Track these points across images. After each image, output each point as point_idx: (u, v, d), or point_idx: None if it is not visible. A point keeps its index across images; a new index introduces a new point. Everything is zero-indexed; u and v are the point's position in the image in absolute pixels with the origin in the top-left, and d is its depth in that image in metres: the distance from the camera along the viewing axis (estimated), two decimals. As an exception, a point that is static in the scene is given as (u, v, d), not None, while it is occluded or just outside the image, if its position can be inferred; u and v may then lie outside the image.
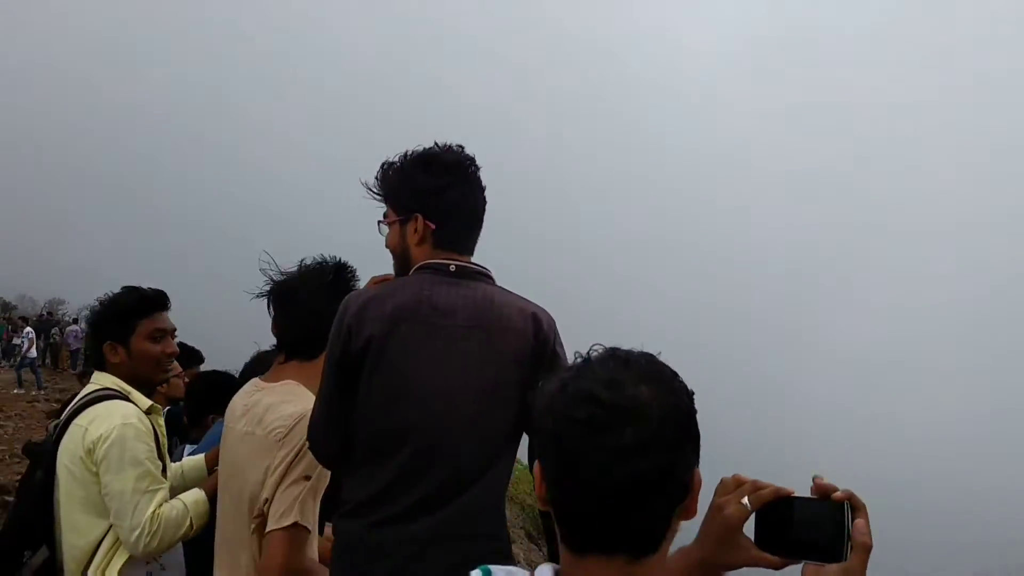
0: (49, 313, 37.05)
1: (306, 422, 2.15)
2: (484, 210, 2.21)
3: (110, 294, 2.74)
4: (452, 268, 2.13)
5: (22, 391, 20.14)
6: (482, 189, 2.20)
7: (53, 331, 29.38)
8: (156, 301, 2.71)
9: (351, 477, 2.07)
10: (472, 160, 2.19)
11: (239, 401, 2.42)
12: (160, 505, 2.45)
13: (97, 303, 2.73)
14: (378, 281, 2.23)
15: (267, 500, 2.15)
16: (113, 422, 2.45)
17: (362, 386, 2.03)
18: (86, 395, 2.61)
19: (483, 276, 2.17)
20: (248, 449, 2.26)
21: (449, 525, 1.96)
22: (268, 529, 2.11)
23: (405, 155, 2.19)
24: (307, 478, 2.15)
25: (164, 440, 2.64)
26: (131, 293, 2.72)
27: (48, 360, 27.85)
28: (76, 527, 2.47)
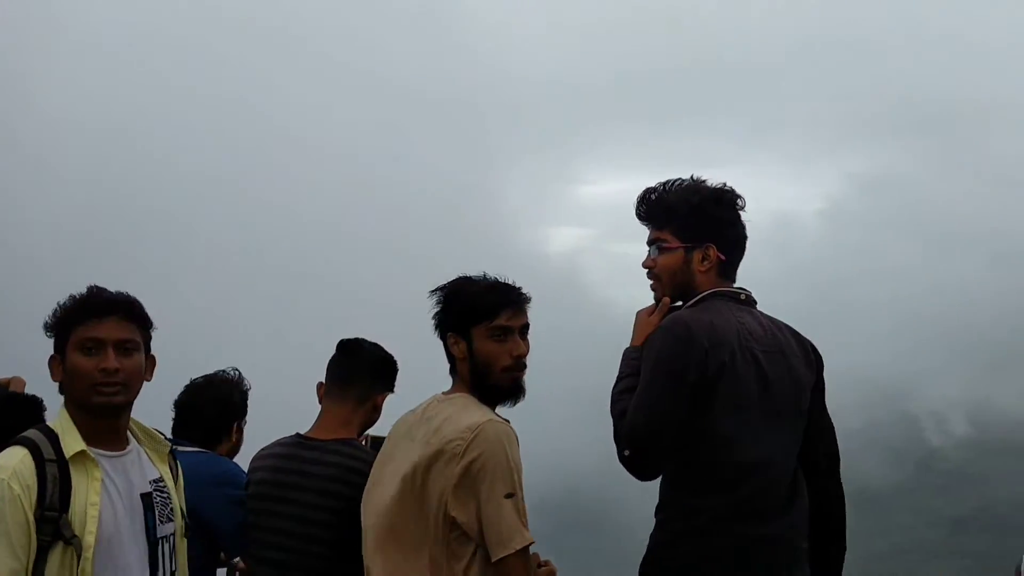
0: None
1: (486, 434, 2.21)
2: None
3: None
4: (743, 296, 2.38)
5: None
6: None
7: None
8: (93, 305, 2.22)
9: (687, 492, 2.28)
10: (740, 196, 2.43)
11: (417, 411, 2.46)
12: None
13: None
14: (668, 306, 2.44)
15: (452, 516, 2.22)
16: None
17: (712, 409, 2.20)
18: None
19: (755, 303, 2.42)
20: (422, 455, 2.28)
21: (796, 537, 2.27)
22: (500, 555, 2.16)
23: (678, 185, 2.39)
24: (509, 496, 2.20)
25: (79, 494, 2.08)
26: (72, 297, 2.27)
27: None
28: None
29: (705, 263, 2.39)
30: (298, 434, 2.81)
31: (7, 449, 2.08)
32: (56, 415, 2.24)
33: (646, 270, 2.49)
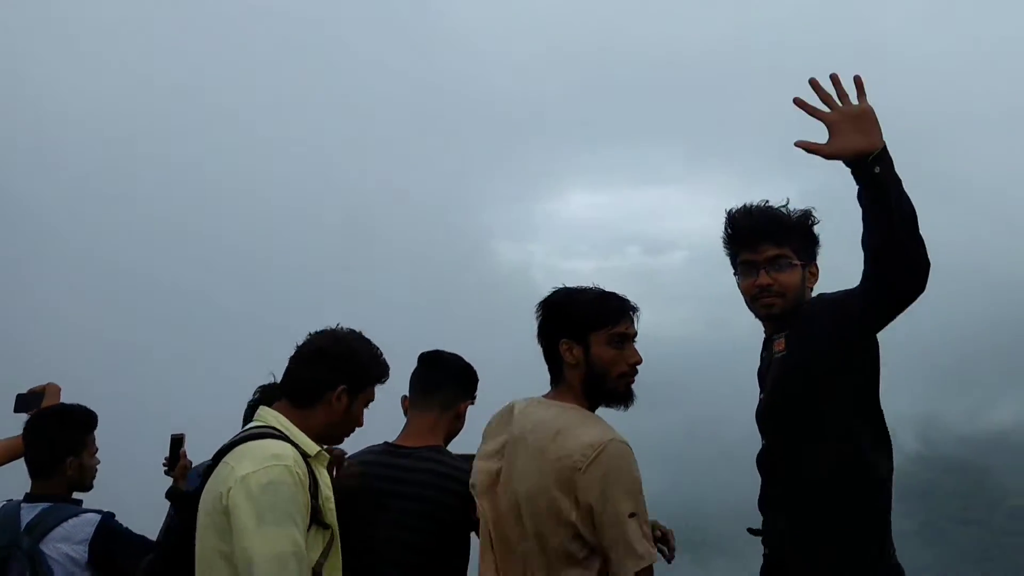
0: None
1: (611, 451, 2.20)
2: None
3: None
4: None
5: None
6: None
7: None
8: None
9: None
10: None
11: (517, 412, 2.42)
12: None
13: None
14: None
15: (575, 528, 2.19)
16: (266, 461, 2.12)
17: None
18: (243, 432, 2.29)
19: None
20: (543, 470, 2.24)
21: None
22: (627, 572, 2.15)
23: (785, 207, 2.55)
24: (633, 515, 2.18)
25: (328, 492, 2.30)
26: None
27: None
28: None
29: (813, 279, 2.56)
30: (387, 443, 2.82)
31: (270, 441, 2.21)
32: (256, 417, 2.37)
33: (759, 288, 2.51)
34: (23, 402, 3.56)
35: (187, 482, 3.12)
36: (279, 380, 2.48)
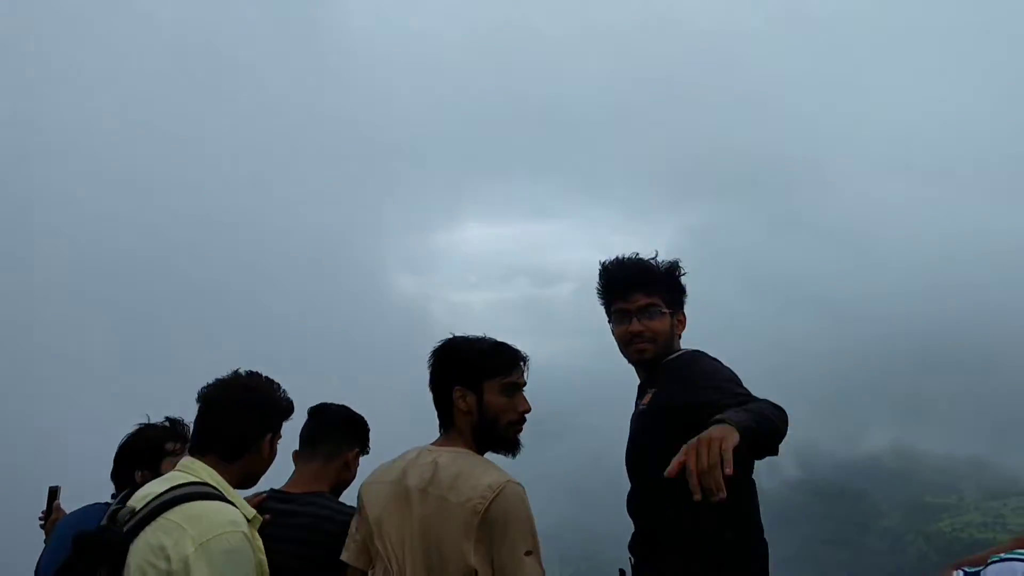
0: None
1: (507, 493, 2.23)
2: None
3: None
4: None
5: None
6: None
7: None
8: None
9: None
10: None
11: (407, 461, 2.43)
12: None
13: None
14: None
15: (473, 569, 2.20)
16: (223, 527, 2.13)
17: None
18: (171, 487, 2.20)
19: None
20: (443, 515, 2.27)
21: None
22: None
23: (655, 258, 2.74)
24: (529, 553, 2.23)
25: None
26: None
27: None
28: None
29: (680, 327, 2.76)
30: (272, 489, 2.81)
31: (219, 504, 2.19)
32: (183, 467, 2.30)
33: (632, 334, 2.70)
34: None
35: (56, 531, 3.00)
36: (154, 421, 2.41)
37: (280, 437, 2.48)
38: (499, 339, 2.51)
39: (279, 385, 2.47)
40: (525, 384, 2.49)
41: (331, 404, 2.99)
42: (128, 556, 2.08)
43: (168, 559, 2.04)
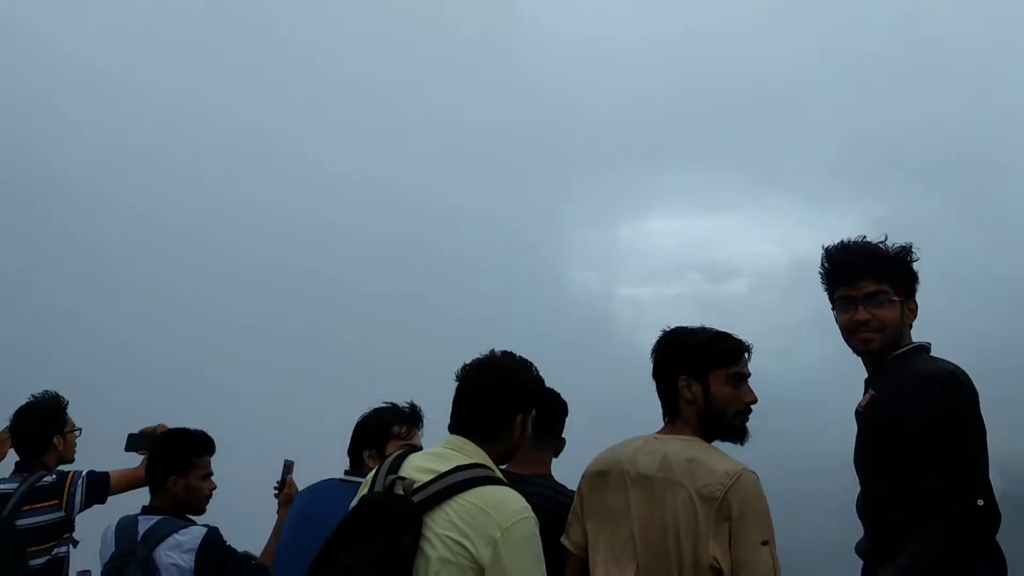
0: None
1: (745, 481, 2.24)
2: None
3: None
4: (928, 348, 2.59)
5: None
6: None
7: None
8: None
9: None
10: None
11: (634, 448, 2.46)
12: None
13: None
14: None
15: (714, 559, 2.21)
16: (522, 513, 2.18)
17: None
18: (456, 467, 2.24)
19: None
20: (676, 502, 2.28)
21: None
22: None
23: (884, 242, 2.59)
24: (765, 543, 2.22)
25: None
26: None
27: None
28: None
29: (911, 316, 2.60)
30: (501, 468, 2.89)
31: (509, 490, 2.24)
32: (452, 446, 2.37)
33: (857, 323, 2.57)
34: (133, 441, 3.83)
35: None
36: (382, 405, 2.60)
37: (533, 416, 2.45)
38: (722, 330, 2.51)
39: (532, 364, 2.47)
40: (750, 375, 2.48)
41: (554, 390, 3.05)
42: (425, 529, 2.13)
43: (473, 543, 2.09)
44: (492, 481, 2.22)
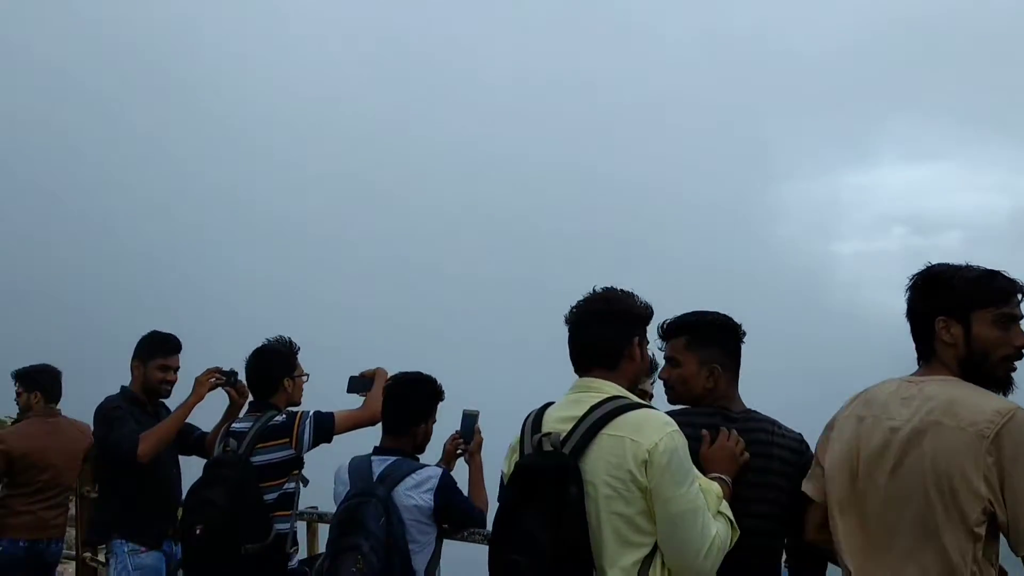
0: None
1: (1019, 420, 2.08)
2: None
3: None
4: None
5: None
6: None
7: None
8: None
9: None
10: None
11: (888, 391, 2.33)
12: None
13: None
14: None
15: (988, 501, 2.08)
16: (664, 430, 2.22)
17: None
18: (591, 407, 2.29)
19: None
20: (940, 442, 2.13)
21: None
22: None
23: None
24: None
25: None
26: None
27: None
28: (618, 549, 2.19)
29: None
30: (714, 406, 2.69)
31: (650, 410, 2.29)
32: (584, 386, 2.41)
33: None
34: (355, 384, 3.91)
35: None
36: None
37: (648, 342, 2.48)
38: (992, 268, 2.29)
39: (635, 294, 2.48)
40: (1022, 317, 2.25)
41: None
42: (583, 474, 2.19)
43: (628, 471, 2.16)
44: (628, 408, 2.25)
